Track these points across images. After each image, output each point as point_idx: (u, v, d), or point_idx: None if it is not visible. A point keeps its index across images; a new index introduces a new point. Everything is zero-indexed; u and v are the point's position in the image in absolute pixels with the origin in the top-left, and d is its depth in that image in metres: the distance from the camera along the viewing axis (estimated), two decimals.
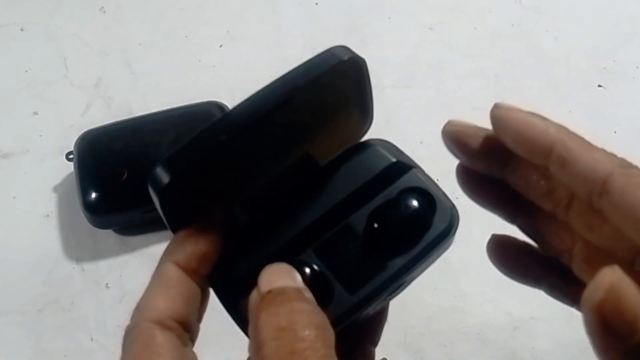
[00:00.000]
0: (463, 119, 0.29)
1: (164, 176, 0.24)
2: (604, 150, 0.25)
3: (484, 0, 0.71)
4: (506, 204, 0.29)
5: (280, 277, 0.23)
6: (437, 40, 0.68)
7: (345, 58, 0.26)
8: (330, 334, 0.22)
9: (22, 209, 0.58)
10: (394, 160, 0.28)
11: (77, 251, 0.55)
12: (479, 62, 0.67)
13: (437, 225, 0.27)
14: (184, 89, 0.63)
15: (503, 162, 0.28)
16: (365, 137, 0.30)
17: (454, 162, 0.29)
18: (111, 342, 0.51)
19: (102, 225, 0.55)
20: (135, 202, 0.54)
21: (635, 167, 0.24)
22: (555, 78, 0.65)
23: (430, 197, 0.27)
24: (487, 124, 0.27)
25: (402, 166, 0.28)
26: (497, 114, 0.27)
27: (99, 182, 0.54)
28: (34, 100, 0.64)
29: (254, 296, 0.23)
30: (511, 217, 0.29)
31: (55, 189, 0.58)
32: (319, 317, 0.22)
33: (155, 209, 0.25)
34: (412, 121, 0.61)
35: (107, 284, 0.53)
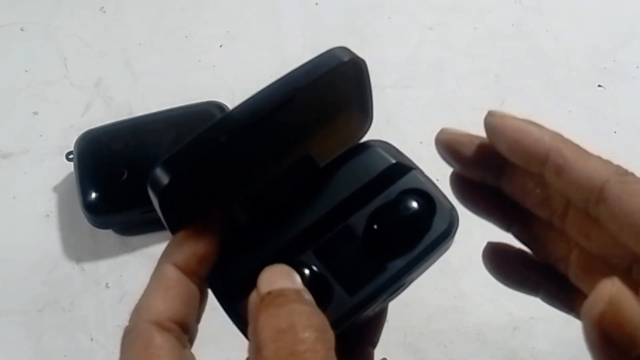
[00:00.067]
0: (456, 127, 0.29)
1: (163, 177, 0.24)
2: (599, 158, 0.25)
3: (484, 0, 0.71)
4: (501, 212, 0.29)
5: (279, 278, 0.23)
6: (437, 40, 0.68)
7: (346, 59, 0.25)
8: (330, 336, 0.22)
9: (22, 209, 0.58)
10: (393, 161, 0.28)
11: (77, 251, 0.55)
12: (479, 62, 0.67)
13: (437, 227, 0.27)
14: (184, 89, 0.63)
15: (498, 170, 0.28)
16: (365, 138, 0.30)
17: None
18: (111, 342, 0.51)
19: (102, 225, 0.55)
20: (135, 202, 0.54)
21: (632, 174, 0.24)
22: (555, 78, 0.65)
23: (430, 199, 0.27)
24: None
25: (402, 167, 0.28)
26: (492, 121, 0.26)
27: (99, 182, 0.54)
28: (34, 100, 0.64)
29: (253, 297, 0.23)
30: (506, 225, 0.29)
31: (55, 189, 0.58)
32: (319, 319, 0.22)
33: (155, 209, 0.25)
34: (412, 121, 0.61)
35: (107, 284, 0.53)
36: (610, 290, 0.20)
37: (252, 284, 0.23)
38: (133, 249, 0.55)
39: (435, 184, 0.28)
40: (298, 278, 0.24)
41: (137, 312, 0.25)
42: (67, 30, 0.70)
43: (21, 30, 0.70)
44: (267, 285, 0.23)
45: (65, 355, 0.50)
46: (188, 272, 0.26)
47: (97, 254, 0.55)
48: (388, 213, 0.27)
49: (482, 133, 0.27)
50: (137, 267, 0.54)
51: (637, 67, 0.66)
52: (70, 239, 0.56)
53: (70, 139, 0.58)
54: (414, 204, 0.27)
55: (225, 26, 0.70)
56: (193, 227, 0.26)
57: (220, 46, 0.68)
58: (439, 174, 0.29)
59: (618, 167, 0.24)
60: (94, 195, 0.54)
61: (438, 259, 0.28)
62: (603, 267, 0.26)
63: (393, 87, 0.64)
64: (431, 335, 0.51)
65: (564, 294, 0.28)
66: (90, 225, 0.55)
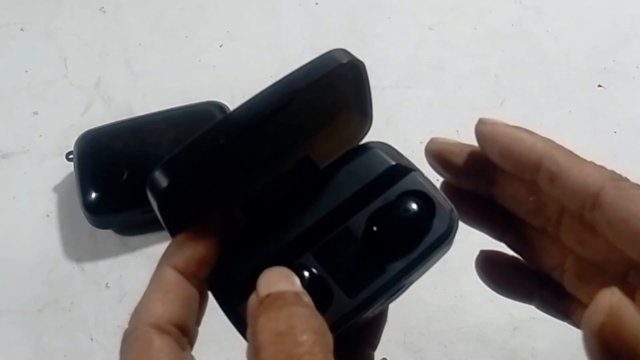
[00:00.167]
0: (446, 136, 0.29)
1: (162, 180, 0.24)
2: (593, 163, 0.24)
3: (484, 0, 0.71)
4: (494, 221, 0.29)
5: (279, 281, 0.23)
6: (437, 40, 0.68)
7: (344, 61, 0.25)
8: (329, 339, 0.22)
9: (22, 209, 0.58)
10: (393, 163, 0.28)
11: (77, 251, 0.55)
12: (479, 62, 0.67)
13: (437, 229, 0.27)
14: (184, 89, 0.63)
15: (489, 179, 0.28)
16: (365, 139, 0.30)
17: None
18: (111, 342, 0.51)
19: (102, 225, 0.55)
20: (135, 202, 0.53)
21: (626, 179, 0.24)
22: (555, 78, 0.65)
23: (429, 200, 0.27)
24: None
25: (402, 169, 0.28)
26: (483, 129, 0.26)
27: (99, 182, 0.54)
28: (34, 100, 0.64)
29: (252, 300, 0.23)
30: (499, 235, 0.29)
31: (55, 189, 0.58)
32: (318, 322, 0.22)
33: (155, 211, 0.25)
34: (412, 121, 0.61)
35: (107, 284, 0.53)
36: (610, 300, 0.20)
37: (251, 286, 0.23)
38: (133, 249, 0.55)
39: (435, 186, 0.28)
40: (297, 280, 0.24)
41: (137, 315, 0.25)
42: (67, 30, 0.70)
43: (21, 30, 0.70)
44: (266, 287, 0.23)
45: (65, 355, 0.50)
46: (187, 274, 0.26)
47: (97, 254, 0.55)
48: (388, 215, 0.27)
49: None
50: (137, 267, 0.54)
51: (637, 67, 0.66)
52: (70, 239, 0.56)
53: (70, 139, 0.58)
54: (414, 206, 0.27)
55: (225, 26, 0.70)
56: (192, 230, 0.26)
57: (220, 46, 0.68)
58: (438, 174, 0.29)
59: (612, 172, 0.24)
60: (94, 195, 0.54)
61: (438, 261, 0.28)
62: (598, 273, 0.25)
63: (393, 87, 0.64)
64: (431, 335, 0.51)
65: (559, 301, 0.28)
66: (90, 225, 0.55)
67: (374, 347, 0.32)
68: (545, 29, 0.69)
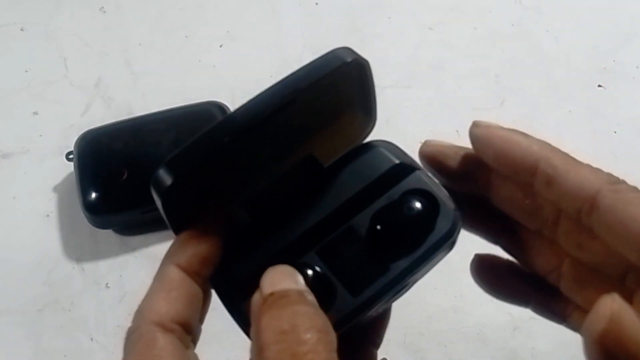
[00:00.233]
0: (445, 137, 0.29)
1: (166, 178, 0.24)
2: (589, 166, 0.24)
3: (484, 0, 0.71)
4: (489, 224, 0.29)
5: (282, 279, 0.23)
6: (437, 40, 0.68)
7: (349, 60, 0.25)
8: (333, 337, 0.22)
9: (22, 209, 0.58)
10: (397, 161, 0.28)
11: (77, 251, 0.55)
12: (479, 62, 0.67)
13: (440, 227, 0.27)
14: (184, 89, 0.63)
15: (485, 181, 0.27)
16: (368, 138, 0.30)
17: None
18: (111, 342, 0.51)
19: (102, 225, 0.55)
20: (135, 202, 0.53)
21: (624, 182, 0.24)
22: (555, 78, 0.65)
23: (433, 199, 0.27)
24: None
25: (405, 168, 0.28)
26: (477, 132, 0.26)
27: (99, 182, 0.54)
28: (34, 100, 0.64)
29: (256, 298, 0.23)
30: (494, 238, 0.29)
31: (55, 189, 0.58)
32: (321, 321, 0.22)
33: (155, 209, 0.25)
34: (412, 121, 0.61)
35: (107, 284, 0.53)
36: (611, 307, 0.20)
37: (255, 284, 0.23)
38: (133, 249, 0.55)
39: (438, 185, 0.28)
40: (301, 279, 0.24)
41: (140, 313, 0.25)
42: (67, 30, 0.70)
43: (21, 30, 0.70)
44: (269, 286, 0.23)
45: (65, 355, 0.50)
46: (191, 272, 0.26)
47: (97, 254, 0.55)
48: (391, 213, 0.27)
49: None
50: (137, 267, 0.54)
51: (637, 67, 0.66)
52: (70, 239, 0.56)
53: (70, 139, 0.58)
54: (418, 205, 0.27)
55: (225, 26, 0.70)
56: (196, 228, 0.26)
57: (220, 46, 0.68)
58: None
59: (609, 175, 0.24)
60: (94, 195, 0.54)
61: (441, 260, 0.28)
62: (595, 277, 0.25)
63: (393, 87, 0.64)
64: (431, 335, 0.51)
65: (555, 304, 0.28)
66: (90, 225, 0.55)
67: (378, 346, 0.32)
68: (545, 29, 0.69)
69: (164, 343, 0.24)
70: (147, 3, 0.72)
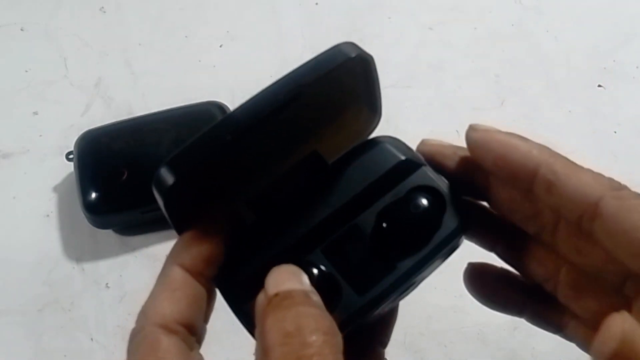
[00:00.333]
0: (439, 137, 0.28)
1: (168, 177, 0.24)
2: (591, 171, 0.24)
3: (484, 0, 0.71)
4: (486, 230, 0.28)
5: (287, 279, 0.23)
6: (437, 40, 0.68)
7: (353, 55, 0.25)
8: (338, 339, 0.21)
9: (22, 209, 0.58)
10: (402, 157, 0.27)
11: (77, 251, 0.55)
12: (479, 62, 0.67)
13: (447, 225, 0.26)
14: (184, 89, 0.63)
15: (483, 184, 0.27)
16: (373, 134, 0.30)
17: None
18: (111, 342, 0.51)
19: (102, 225, 0.55)
20: (135, 202, 0.53)
21: (626, 188, 0.23)
22: (555, 78, 0.65)
23: (440, 196, 0.27)
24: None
25: (411, 164, 0.27)
26: (474, 136, 0.25)
27: (99, 182, 0.54)
28: (34, 100, 0.64)
29: (260, 299, 0.23)
30: (491, 245, 0.29)
31: (55, 189, 0.58)
32: (327, 322, 0.21)
33: (156, 209, 0.25)
34: (412, 121, 0.61)
35: (107, 284, 0.53)
36: (622, 327, 0.20)
37: (259, 284, 0.23)
38: (133, 249, 0.55)
39: (445, 181, 0.27)
40: (306, 279, 0.23)
41: (144, 315, 0.25)
42: (67, 30, 0.70)
43: (21, 30, 0.70)
44: (274, 286, 0.23)
45: (65, 355, 0.50)
46: (195, 273, 0.25)
47: (97, 254, 0.55)
48: (397, 211, 0.26)
49: None
50: (137, 267, 0.54)
51: (637, 67, 0.66)
52: (70, 239, 0.56)
53: (70, 139, 0.58)
54: (424, 202, 0.26)
55: (225, 26, 0.70)
56: (199, 227, 0.26)
57: (220, 46, 0.68)
58: None
59: (611, 180, 0.23)
60: (94, 195, 0.54)
61: (448, 258, 0.28)
62: (593, 284, 0.25)
63: (393, 87, 0.64)
64: (431, 335, 0.51)
65: (550, 314, 0.27)
66: (90, 225, 0.55)
67: (385, 345, 0.32)
68: (545, 29, 0.69)
69: (168, 345, 0.23)
70: (147, 3, 0.72)
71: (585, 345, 0.26)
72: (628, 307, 0.23)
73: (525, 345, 0.50)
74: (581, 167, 0.24)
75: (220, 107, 0.58)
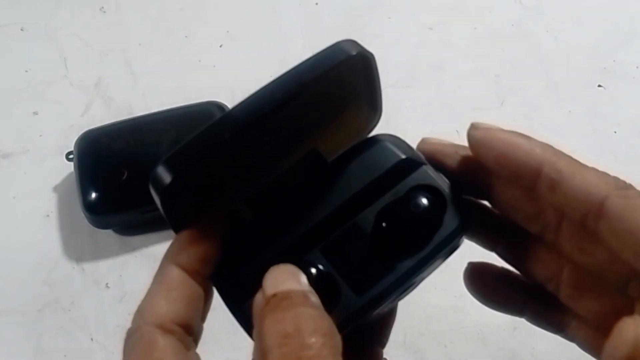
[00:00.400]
0: (439, 136, 0.28)
1: (165, 176, 0.24)
2: (595, 170, 0.23)
3: (484, 0, 0.71)
4: (486, 229, 0.28)
5: (285, 279, 0.23)
6: (437, 40, 0.68)
7: (354, 53, 0.25)
8: (337, 340, 0.21)
9: (22, 209, 0.58)
10: (403, 156, 0.27)
11: (77, 251, 0.55)
12: (479, 62, 0.67)
13: (448, 224, 0.26)
14: (184, 89, 0.63)
15: (484, 183, 0.26)
16: (373, 132, 0.29)
17: None
18: (111, 342, 0.51)
19: (102, 225, 0.55)
20: (135, 202, 0.53)
21: (632, 187, 0.23)
22: (555, 78, 0.65)
23: (440, 195, 0.26)
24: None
25: (412, 163, 0.27)
26: (476, 135, 0.25)
27: (99, 182, 0.54)
28: (34, 100, 0.64)
29: (258, 299, 0.22)
30: (492, 244, 0.28)
31: (55, 189, 0.58)
32: (326, 323, 0.21)
33: (156, 209, 0.25)
34: (412, 121, 0.61)
35: (107, 284, 0.53)
36: (635, 331, 0.20)
37: (258, 283, 0.23)
38: (133, 249, 0.55)
39: (446, 180, 0.27)
40: (304, 279, 0.23)
41: (140, 314, 0.24)
42: (67, 30, 0.70)
43: (21, 30, 0.70)
44: (272, 286, 0.22)
45: (65, 355, 0.50)
46: (191, 272, 0.25)
47: (97, 254, 0.55)
48: (397, 210, 0.26)
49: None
50: (137, 267, 0.54)
51: (637, 67, 0.66)
52: (70, 239, 0.56)
53: (70, 139, 0.58)
54: (424, 201, 0.26)
55: (225, 26, 0.70)
56: (197, 226, 0.26)
57: (220, 46, 0.68)
58: None
59: (616, 179, 0.23)
60: (94, 195, 0.54)
61: (449, 258, 0.28)
62: (596, 284, 0.25)
63: (393, 87, 0.64)
64: (431, 335, 0.51)
65: (552, 314, 0.27)
66: (90, 225, 0.55)
67: (383, 345, 0.32)
68: (545, 29, 0.69)
69: (164, 345, 0.23)
70: (147, 3, 0.72)
71: (586, 346, 0.26)
72: (631, 308, 0.23)
73: (525, 345, 0.50)
74: (585, 166, 0.24)
75: (220, 107, 0.58)
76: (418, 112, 0.63)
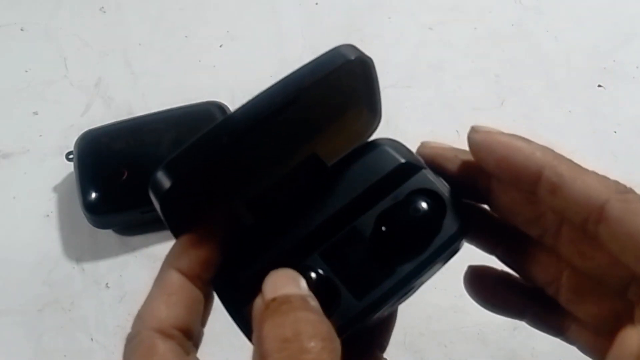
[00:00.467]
0: (439, 136, 0.28)
1: (165, 181, 0.24)
2: (596, 174, 0.23)
3: (484, 0, 0.71)
4: (486, 233, 0.28)
5: (285, 284, 0.23)
6: (437, 40, 0.68)
7: (352, 57, 0.25)
8: (337, 345, 0.21)
9: (22, 209, 0.58)
10: (402, 160, 0.27)
11: (77, 251, 0.55)
12: (479, 62, 0.67)
13: (447, 228, 0.26)
14: (184, 89, 0.63)
15: (484, 187, 0.27)
16: (373, 136, 0.30)
17: None
18: (111, 342, 0.51)
19: (102, 225, 0.55)
20: (135, 202, 0.53)
21: (632, 191, 0.23)
22: (555, 78, 0.65)
23: (440, 199, 0.26)
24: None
25: (411, 167, 0.27)
26: (476, 138, 0.25)
27: (99, 182, 0.54)
28: (34, 100, 0.64)
29: (258, 304, 0.22)
30: (491, 248, 0.28)
31: (55, 189, 0.58)
32: (325, 328, 0.21)
33: (156, 209, 0.25)
34: (412, 121, 0.61)
35: (107, 284, 0.53)
36: (638, 341, 0.20)
37: (257, 287, 0.23)
38: (133, 249, 0.55)
39: (445, 184, 0.27)
40: (304, 283, 0.23)
41: (140, 319, 0.24)
42: (67, 30, 0.70)
43: (21, 30, 0.70)
44: (272, 291, 0.22)
45: (65, 355, 0.50)
46: (191, 276, 0.25)
47: (97, 254, 0.55)
48: (397, 214, 0.26)
49: None
50: (137, 267, 0.54)
51: (637, 67, 0.66)
52: (70, 239, 0.56)
53: (70, 139, 0.58)
54: (424, 205, 0.26)
55: (225, 26, 0.70)
56: (196, 231, 0.26)
57: (220, 46, 0.68)
58: None
59: (617, 183, 0.23)
60: (94, 195, 0.54)
61: (449, 261, 0.28)
62: (596, 288, 0.25)
63: (393, 87, 0.64)
64: (431, 335, 0.51)
65: (552, 317, 0.27)
66: (90, 225, 0.55)
67: (383, 349, 0.31)
68: (545, 29, 0.69)
69: (164, 350, 0.23)
70: (147, 3, 0.72)
71: (586, 349, 0.26)
72: (631, 312, 0.23)
73: (525, 345, 0.50)
74: (586, 170, 0.24)
75: (220, 107, 0.58)
76: (418, 112, 0.63)
